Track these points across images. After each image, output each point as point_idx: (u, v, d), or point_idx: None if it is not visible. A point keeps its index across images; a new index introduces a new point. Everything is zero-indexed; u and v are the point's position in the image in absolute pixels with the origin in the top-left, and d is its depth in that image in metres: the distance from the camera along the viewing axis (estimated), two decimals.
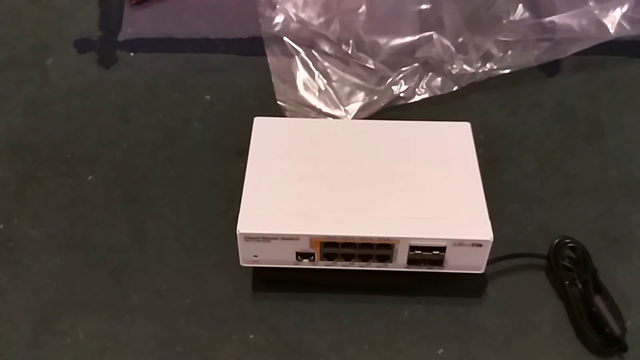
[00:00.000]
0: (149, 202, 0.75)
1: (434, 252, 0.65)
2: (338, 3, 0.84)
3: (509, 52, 0.84)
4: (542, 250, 0.70)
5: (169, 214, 0.74)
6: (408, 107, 0.83)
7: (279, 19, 0.85)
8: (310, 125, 0.76)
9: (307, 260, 0.66)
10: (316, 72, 0.84)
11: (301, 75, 0.84)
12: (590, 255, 0.69)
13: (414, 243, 0.64)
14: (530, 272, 0.70)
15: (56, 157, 0.79)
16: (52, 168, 0.78)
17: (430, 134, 0.73)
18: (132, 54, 0.89)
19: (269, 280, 0.69)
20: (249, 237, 0.64)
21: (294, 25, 0.85)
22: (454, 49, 0.83)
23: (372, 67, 0.83)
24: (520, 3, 0.84)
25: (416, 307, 0.68)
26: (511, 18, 0.84)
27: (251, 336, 0.67)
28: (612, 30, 0.82)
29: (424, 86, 0.83)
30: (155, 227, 0.73)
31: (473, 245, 0.64)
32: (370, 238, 0.64)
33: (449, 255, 0.65)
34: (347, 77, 0.84)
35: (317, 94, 0.83)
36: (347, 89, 0.83)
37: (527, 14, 0.84)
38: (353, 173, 0.68)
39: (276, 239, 0.64)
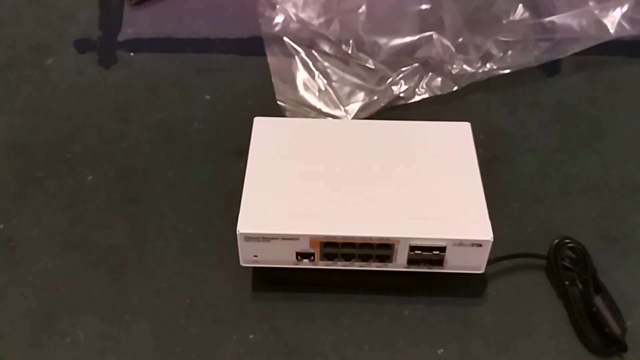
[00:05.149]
0: (149, 202, 0.75)
1: (434, 252, 0.65)
2: (338, 3, 0.84)
3: (509, 52, 0.84)
4: (542, 250, 0.70)
5: (169, 214, 0.74)
6: (408, 107, 0.83)
7: (279, 19, 0.85)
8: (310, 125, 0.76)
9: (307, 260, 0.66)
10: (316, 72, 0.84)
11: (301, 75, 0.84)
12: (590, 255, 0.69)
13: (414, 243, 0.64)
14: (530, 272, 0.70)
15: (56, 157, 0.79)
16: (52, 168, 0.78)
17: (430, 134, 0.73)
18: (132, 54, 0.89)
19: (269, 280, 0.69)
20: (249, 237, 0.64)
21: (294, 25, 0.85)
22: (454, 49, 0.83)
23: (372, 67, 0.83)
24: (520, 3, 0.84)
25: (416, 307, 0.68)
26: (511, 18, 0.84)
27: (251, 336, 0.67)
28: (612, 30, 0.82)
29: (424, 86, 0.83)
30: (155, 227, 0.73)
31: (473, 245, 0.64)
32: (370, 238, 0.64)
33: (449, 255, 0.65)
34: (347, 77, 0.84)
35: (317, 94, 0.83)
36: (347, 89, 0.83)
37: (527, 14, 0.84)
38: (353, 173, 0.68)
39: (276, 239, 0.64)
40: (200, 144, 0.80)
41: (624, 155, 0.79)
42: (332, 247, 0.65)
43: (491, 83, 0.84)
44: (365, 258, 0.66)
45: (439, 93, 0.83)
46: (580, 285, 0.68)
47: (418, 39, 0.83)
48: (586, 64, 0.86)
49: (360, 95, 0.83)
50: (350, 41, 0.84)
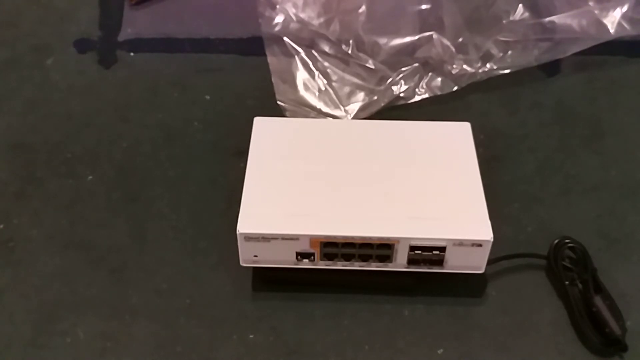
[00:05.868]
0: (149, 202, 0.75)
1: (434, 252, 0.65)
2: (338, 3, 0.84)
3: (509, 52, 0.84)
4: (542, 250, 0.70)
5: (169, 214, 0.74)
6: (408, 107, 0.83)
7: (279, 19, 0.85)
8: (310, 125, 0.76)
9: (307, 260, 0.66)
10: (316, 72, 0.84)
11: (301, 75, 0.84)
12: (590, 255, 0.69)
13: (414, 243, 0.64)
14: (530, 272, 0.70)
15: (56, 157, 0.79)
16: (52, 168, 0.78)
17: (430, 134, 0.73)
18: (132, 54, 0.89)
19: (269, 280, 0.69)
20: (249, 237, 0.64)
21: (294, 25, 0.85)
22: (454, 49, 0.83)
23: (372, 67, 0.83)
24: (520, 3, 0.84)
25: (416, 307, 0.68)
26: (511, 18, 0.84)
27: (251, 336, 0.67)
28: (612, 30, 0.83)
29: (424, 86, 0.83)
30: (155, 227, 0.73)
31: (473, 245, 0.64)
32: (370, 238, 0.64)
33: (449, 255, 0.65)
34: (347, 77, 0.84)
35: (317, 94, 0.83)
36: (347, 89, 0.83)
37: (527, 14, 0.84)
38: (353, 173, 0.68)
39: (276, 239, 0.64)
40: (200, 144, 0.80)
41: (624, 155, 0.79)
42: (332, 247, 0.65)
43: (491, 83, 0.84)
44: (365, 258, 0.66)
45: (439, 93, 0.83)
46: (580, 285, 0.68)
47: (418, 39, 0.83)
48: (586, 64, 0.86)
49: (360, 95, 0.83)
50: (350, 41, 0.84)
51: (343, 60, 0.85)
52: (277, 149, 0.71)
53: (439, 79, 0.84)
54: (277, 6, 0.85)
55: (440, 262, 0.65)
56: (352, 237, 0.64)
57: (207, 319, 0.68)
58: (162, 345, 0.66)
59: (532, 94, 0.85)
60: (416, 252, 0.65)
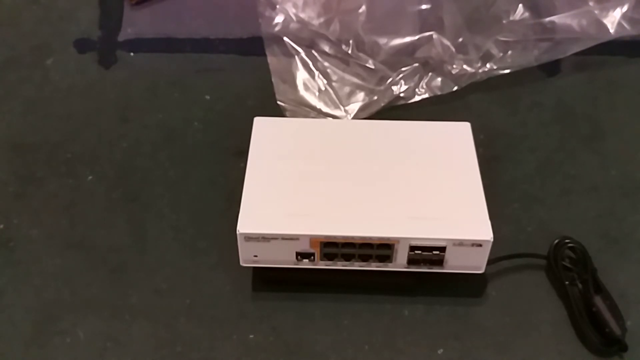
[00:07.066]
0: (149, 202, 0.75)
1: (434, 252, 0.65)
2: (338, 3, 0.84)
3: (509, 52, 0.84)
4: (542, 250, 0.70)
5: (169, 214, 0.74)
6: (408, 107, 0.83)
7: (279, 19, 0.85)
8: (310, 125, 0.76)
9: (307, 260, 0.66)
10: (316, 72, 0.84)
11: (301, 75, 0.84)
12: (590, 255, 0.69)
13: (414, 243, 0.64)
14: (530, 272, 0.70)
15: (56, 157, 0.79)
16: (52, 168, 0.78)
17: (430, 134, 0.73)
18: (132, 54, 0.89)
19: (269, 280, 0.69)
20: (249, 237, 0.64)
21: (294, 25, 0.85)
22: (454, 49, 0.83)
23: (372, 67, 0.83)
24: (520, 3, 0.84)
25: (416, 307, 0.68)
26: (511, 18, 0.84)
27: (251, 336, 0.67)
28: (612, 30, 0.82)
29: (424, 86, 0.83)
30: (155, 227, 0.73)
31: (473, 245, 0.64)
32: (370, 238, 0.64)
33: (449, 255, 0.65)
34: (347, 77, 0.84)
35: (317, 94, 0.83)
36: (347, 89, 0.83)
37: (527, 14, 0.84)
38: (353, 173, 0.68)
39: (276, 239, 0.64)
40: (200, 144, 0.80)
41: (624, 155, 0.79)
42: (332, 247, 0.65)
43: (491, 83, 0.84)
44: (365, 258, 0.66)
45: (439, 93, 0.83)
46: (580, 285, 0.68)
47: (418, 39, 0.83)
48: (586, 64, 0.86)
49: (360, 95, 0.83)
50: (350, 41, 0.84)
51: (343, 60, 0.85)
52: (277, 149, 0.71)
53: (439, 79, 0.84)
54: (277, 6, 0.85)
55: (440, 262, 0.65)
56: (352, 237, 0.64)
57: (207, 319, 0.68)
58: (162, 345, 0.66)
59: (532, 94, 0.85)
60: (416, 252, 0.65)
